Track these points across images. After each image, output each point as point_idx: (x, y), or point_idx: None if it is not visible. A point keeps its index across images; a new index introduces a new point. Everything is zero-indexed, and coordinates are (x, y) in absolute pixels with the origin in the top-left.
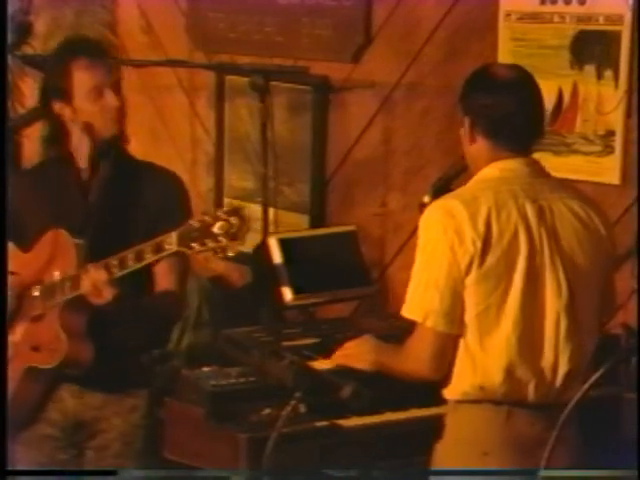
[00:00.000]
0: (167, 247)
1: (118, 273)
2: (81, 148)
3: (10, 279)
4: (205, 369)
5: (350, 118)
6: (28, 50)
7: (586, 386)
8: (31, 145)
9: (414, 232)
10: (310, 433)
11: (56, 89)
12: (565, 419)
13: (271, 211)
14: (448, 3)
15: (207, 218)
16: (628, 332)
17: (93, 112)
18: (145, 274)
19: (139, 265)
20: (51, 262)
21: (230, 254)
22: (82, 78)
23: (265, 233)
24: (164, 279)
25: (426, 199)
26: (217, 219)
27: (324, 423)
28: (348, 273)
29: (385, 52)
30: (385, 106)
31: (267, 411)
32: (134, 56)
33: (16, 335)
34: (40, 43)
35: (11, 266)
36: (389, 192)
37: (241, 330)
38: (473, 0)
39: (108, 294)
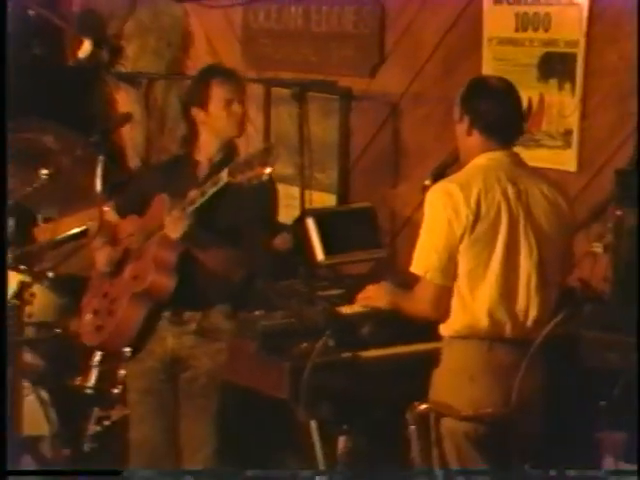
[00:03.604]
0: (221, 179)
1: (190, 208)
2: (205, 147)
3: (128, 240)
4: (257, 312)
5: (368, 121)
6: (121, 68)
7: (551, 325)
8: (124, 143)
9: (417, 208)
10: (337, 362)
11: (195, 99)
12: (534, 350)
13: (307, 192)
14: (444, 31)
15: (249, 155)
16: (583, 285)
17: (223, 116)
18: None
19: (203, 199)
20: (152, 216)
21: (264, 178)
22: (218, 91)
23: (302, 209)
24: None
25: (427, 182)
26: (255, 156)
27: (348, 354)
28: (366, 239)
29: (395, 69)
30: (395, 111)
31: (304, 345)
32: None
33: (125, 274)
34: (130, 63)
35: (130, 229)
36: (398, 178)
37: (284, 283)
38: (464, 28)
39: (181, 227)
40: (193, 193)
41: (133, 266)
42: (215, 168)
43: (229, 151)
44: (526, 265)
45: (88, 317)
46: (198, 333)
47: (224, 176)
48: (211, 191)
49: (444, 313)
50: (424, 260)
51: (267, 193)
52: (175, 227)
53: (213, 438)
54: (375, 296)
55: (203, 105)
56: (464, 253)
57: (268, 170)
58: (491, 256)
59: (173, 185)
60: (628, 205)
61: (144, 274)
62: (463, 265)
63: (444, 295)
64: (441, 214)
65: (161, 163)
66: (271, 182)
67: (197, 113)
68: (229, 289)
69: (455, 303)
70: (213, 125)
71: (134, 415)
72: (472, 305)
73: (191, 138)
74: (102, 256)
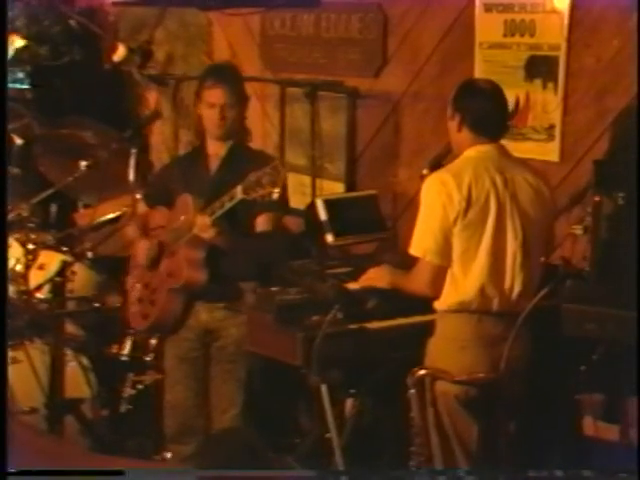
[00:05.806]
0: (236, 196)
1: (213, 217)
2: (210, 142)
3: (158, 231)
4: (273, 288)
5: (372, 117)
6: (151, 71)
7: (537, 298)
8: (155, 137)
9: (416, 195)
10: (345, 332)
11: (196, 98)
12: (521, 321)
13: (318, 181)
14: (440, 36)
15: (259, 173)
16: (564, 263)
17: (207, 117)
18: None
19: (222, 211)
20: (178, 214)
21: (274, 197)
22: (204, 94)
23: (313, 196)
24: (262, 224)
25: (425, 172)
26: (264, 174)
27: (355, 326)
28: (371, 223)
29: (396, 70)
30: (396, 108)
31: (315, 317)
32: None
33: (161, 268)
34: (160, 66)
35: (160, 222)
36: (399, 167)
37: (298, 262)
38: (458, 34)
39: (212, 231)
40: (215, 204)
41: (167, 263)
42: (223, 161)
43: (233, 146)
44: (512, 246)
45: (134, 304)
46: (227, 308)
47: (239, 193)
48: (228, 205)
49: (439, 291)
50: (422, 243)
51: (278, 202)
52: (207, 230)
53: (239, 400)
54: (376, 277)
55: (198, 105)
56: (457, 236)
57: (277, 190)
58: (481, 238)
59: (191, 176)
60: (605, 192)
61: (179, 272)
62: (456, 247)
63: (441, 275)
64: (436, 201)
65: (180, 156)
66: (282, 196)
67: (198, 111)
68: (252, 271)
69: (448, 282)
70: (204, 124)
71: (170, 379)
72: (464, 283)
73: (202, 133)
74: (141, 251)
